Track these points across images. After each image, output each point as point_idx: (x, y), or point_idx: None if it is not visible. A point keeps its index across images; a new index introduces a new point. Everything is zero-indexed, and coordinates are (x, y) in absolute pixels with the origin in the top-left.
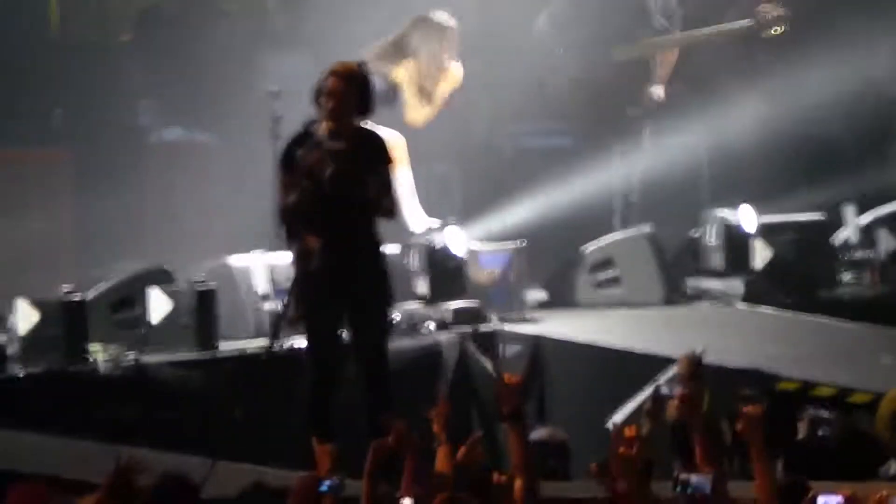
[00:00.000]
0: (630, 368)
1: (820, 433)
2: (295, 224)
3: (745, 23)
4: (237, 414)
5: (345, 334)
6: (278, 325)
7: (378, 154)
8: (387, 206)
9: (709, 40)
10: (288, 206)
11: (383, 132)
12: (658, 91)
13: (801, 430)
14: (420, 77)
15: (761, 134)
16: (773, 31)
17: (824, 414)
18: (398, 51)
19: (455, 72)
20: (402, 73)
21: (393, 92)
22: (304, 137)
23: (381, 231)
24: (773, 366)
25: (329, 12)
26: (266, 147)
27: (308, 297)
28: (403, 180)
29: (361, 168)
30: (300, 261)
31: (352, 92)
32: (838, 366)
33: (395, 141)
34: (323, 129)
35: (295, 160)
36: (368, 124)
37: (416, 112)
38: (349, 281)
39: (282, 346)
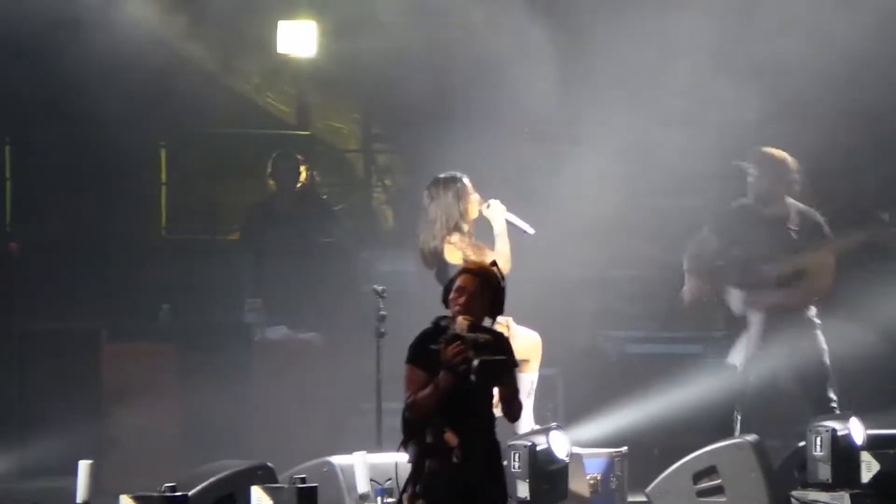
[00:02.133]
0: None
1: None
2: (424, 419)
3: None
4: None
5: None
6: None
7: (511, 355)
8: (516, 409)
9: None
10: (422, 399)
11: (527, 332)
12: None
13: None
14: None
15: (872, 346)
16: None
17: None
18: (428, 223)
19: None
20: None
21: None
22: (437, 333)
23: None
24: None
25: None
26: (370, 346)
27: (432, 494)
28: (529, 381)
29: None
30: (431, 456)
31: (484, 290)
32: None
33: (535, 341)
34: (460, 324)
35: (430, 354)
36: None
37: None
38: (475, 481)
39: None
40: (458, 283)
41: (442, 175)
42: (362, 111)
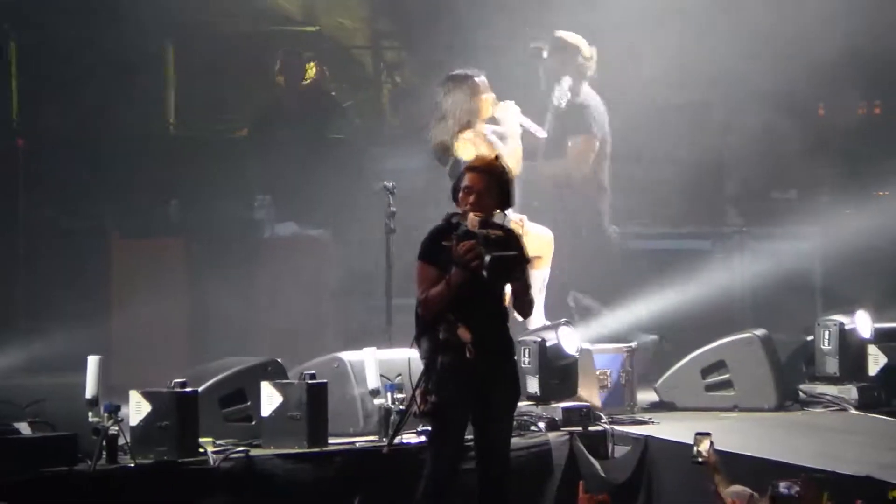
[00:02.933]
0: (740, 472)
1: None
2: (437, 315)
3: None
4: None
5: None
6: (403, 418)
7: (522, 251)
8: (528, 304)
9: None
10: (434, 296)
11: (540, 230)
12: None
13: None
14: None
15: (878, 240)
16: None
17: None
18: (441, 119)
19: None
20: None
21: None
22: (448, 229)
23: None
24: (886, 474)
25: None
26: (379, 242)
27: (446, 389)
28: (541, 277)
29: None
30: (444, 352)
31: (492, 185)
32: None
33: (548, 238)
34: (471, 221)
35: (442, 251)
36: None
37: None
38: (488, 377)
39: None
40: (465, 181)
41: (456, 71)
42: (370, 7)
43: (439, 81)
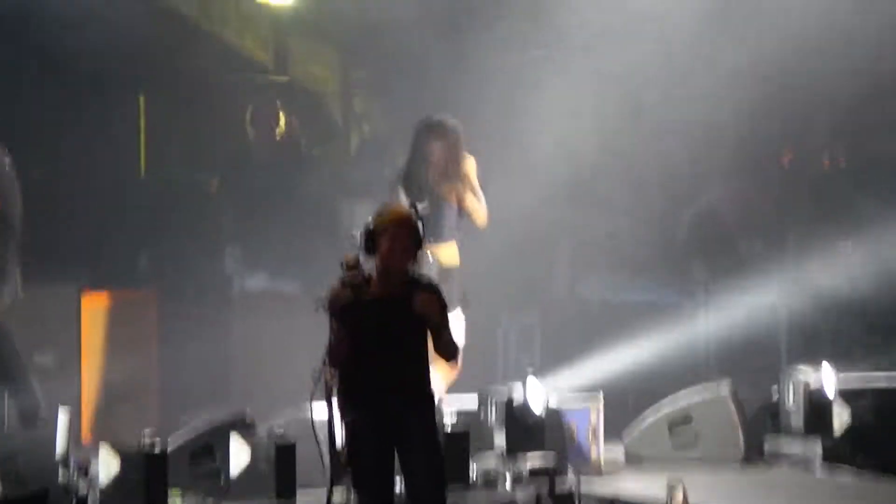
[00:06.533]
0: None
1: None
2: (344, 367)
3: None
4: None
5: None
6: (336, 473)
7: (436, 297)
8: (446, 345)
9: None
10: (339, 349)
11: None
12: None
13: None
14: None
15: (842, 293)
16: None
17: None
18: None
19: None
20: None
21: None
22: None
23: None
24: None
25: None
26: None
27: (350, 442)
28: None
29: (415, 312)
30: (346, 407)
31: (405, 236)
32: None
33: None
34: (377, 273)
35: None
36: None
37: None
38: (393, 422)
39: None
40: (389, 234)
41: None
42: (341, 56)
43: (421, 124)
